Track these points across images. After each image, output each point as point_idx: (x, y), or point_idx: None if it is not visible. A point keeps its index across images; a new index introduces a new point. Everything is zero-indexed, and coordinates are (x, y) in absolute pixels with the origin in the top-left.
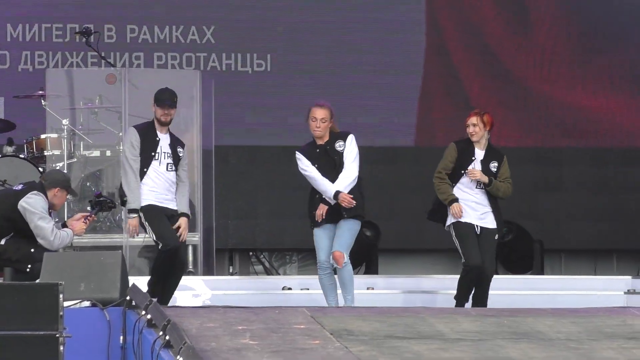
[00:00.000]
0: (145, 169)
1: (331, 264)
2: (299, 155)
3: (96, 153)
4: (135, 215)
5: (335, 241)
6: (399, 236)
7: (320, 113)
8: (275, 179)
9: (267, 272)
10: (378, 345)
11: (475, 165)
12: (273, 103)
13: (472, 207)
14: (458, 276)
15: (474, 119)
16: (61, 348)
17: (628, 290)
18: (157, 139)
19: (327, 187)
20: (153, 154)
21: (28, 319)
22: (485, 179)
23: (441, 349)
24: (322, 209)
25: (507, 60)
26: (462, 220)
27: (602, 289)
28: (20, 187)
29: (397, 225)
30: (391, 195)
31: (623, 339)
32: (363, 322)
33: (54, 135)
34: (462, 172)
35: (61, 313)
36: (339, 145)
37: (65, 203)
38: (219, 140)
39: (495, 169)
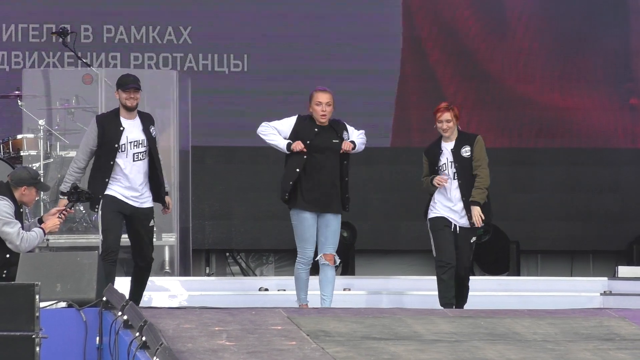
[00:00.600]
0: (111, 162)
1: (312, 260)
2: (289, 119)
3: (72, 153)
4: (64, 197)
5: (323, 242)
6: (376, 237)
7: (325, 97)
8: (252, 180)
9: (244, 273)
10: (355, 347)
11: (447, 157)
12: (250, 103)
13: (449, 205)
14: (435, 277)
15: (447, 115)
16: (37, 349)
17: (604, 291)
18: (121, 128)
19: (279, 141)
20: (116, 145)
21: (4, 319)
22: (479, 210)
23: (418, 350)
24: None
25: (483, 61)
26: (438, 215)
27: (579, 290)
28: None
29: (374, 226)
30: (368, 196)
31: (599, 340)
32: (340, 323)
33: (31, 136)
34: (437, 169)
35: (37, 314)
36: (345, 136)
37: (42, 202)
38: (195, 140)
39: (467, 154)
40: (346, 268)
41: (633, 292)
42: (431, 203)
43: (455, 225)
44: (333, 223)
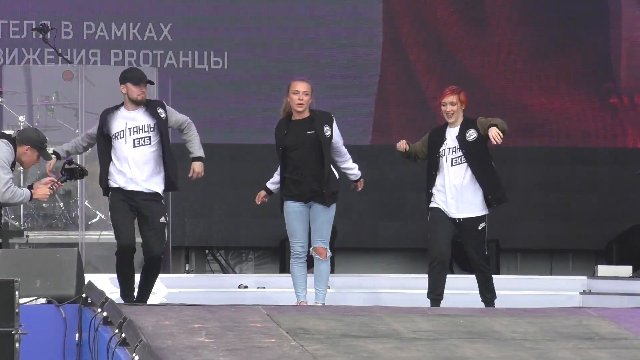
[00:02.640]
0: (109, 150)
1: (306, 253)
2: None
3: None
4: (54, 157)
5: (313, 235)
6: (355, 235)
7: (302, 86)
8: (232, 177)
9: (224, 270)
10: (334, 344)
11: (448, 144)
12: (229, 101)
13: (449, 194)
14: (414, 275)
15: (452, 97)
16: (17, 345)
17: (584, 290)
18: (120, 118)
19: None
20: (114, 134)
21: None
22: (498, 134)
23: (397, 348)
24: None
25: (463, 59)
26: (435, 205)
27: (558, 289)
28: None
29: (353, 225)
30: (347, 194)
31: (579, 339)
32: (319, 321)
33: (11, 132)
34: (437, 155)
35: (17, 310)
36: (326, 130)
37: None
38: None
39: (472, 137)
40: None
41: (612, 291)
42: (432, 194)
43: (456, 219)
44: (320, 215)
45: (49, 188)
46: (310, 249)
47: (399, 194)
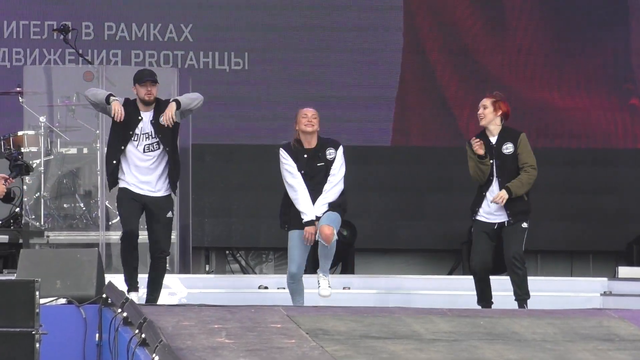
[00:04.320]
0: (122, 147)
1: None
2: (284, 154)
3: (73, 150)
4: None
5: (324, 219)
6: (376, 236)
7: (310, 111)
8: (252, 178)
9: (244, 270)
10: (354, 345)
11: (493, 151)
12: (250, 101)
13: (489, 203)
14: (434, 276)
15: (485, 101)
16: (37, 345)
17: (604, 292)
18: (139, 117)
19: (306, 209)
20: (131, 132)
21: (4, 315)
22: (506, 195)
23: (417, 349)
24: (308, 233)
25: (482, 60)
26: (479, 218)
27: (578, 291)
28: None
29: (373, 225)
30: (368, 195)
31: (598, 341)
32: (339, 322)
33: (31, 132)
34: (491, 161)
35: (37, 310)
36: (329, 153)
37: (42, 199)
38: (195, 138)
39: (509, 150)
40: (346, 267)
41: (633, 292)
42: (478, 205)
43: (497, 224)
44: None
45: (3, 184)
46: (317, 235)
47: (418, 194)
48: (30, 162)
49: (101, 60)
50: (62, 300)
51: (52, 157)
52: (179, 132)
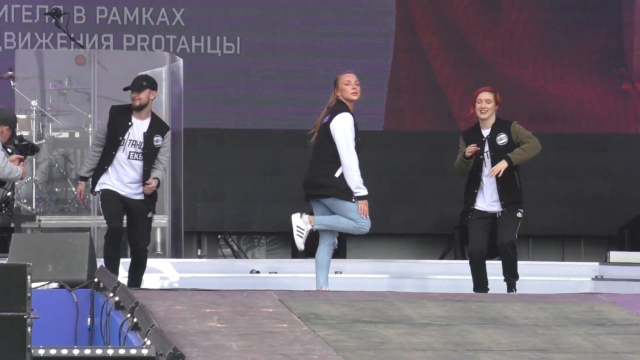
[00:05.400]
0: (113, 152)
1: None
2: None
3: (65, 135)
4: (82, 182)
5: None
6: None
7: (353, 76)
8: (244, 162)
9: (236, 255)
10: (346, 330)
11: (485, 145)
12: (242, 86)
13: (486, 192)
14: (426, 261)
15: (487, 95)
16: (29, 329)
17: (596, 276)
18: (129, 123)
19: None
20: (120, 138)
21: None
22: (504, 165)
23: (409, 333)
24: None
25: (476, 46)
26: (476, 207)
27: (570, 275)
28: None
29: None
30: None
31: (590, 325)
32: (331, 306)
33: (23, 116)
34: (480, 157)
35: (29, 294)
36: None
37: (34, 183)
38: (187, 122)
39: (503, 141)
40: (337, 251)
41: (624, 277)
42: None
43: (495, 213)
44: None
45: (23, 166)
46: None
47: (411, 179)
48: (35, 145)
49: (93, 44)
50: (54, 285)
51: (44, 141)
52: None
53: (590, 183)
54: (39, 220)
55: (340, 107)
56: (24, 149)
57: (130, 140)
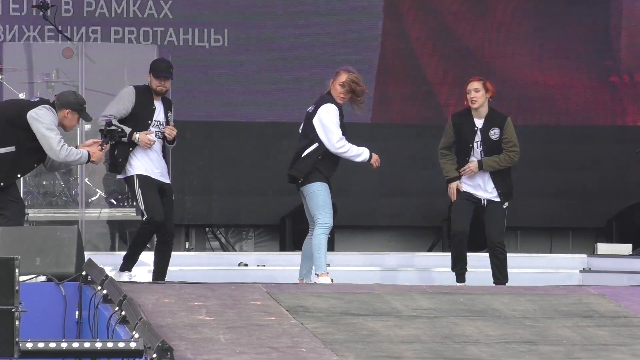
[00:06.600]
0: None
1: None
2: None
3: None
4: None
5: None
6: (355, 213)
7: (348, 82)
8: (232, 155)
9: (224, 248)
10: (334, 322)
11: (478, 137)
12: (230, 78)
13: (477, 178)
14: (414, 253)
15: (476, 84)
16: (17, 323)
17: (583, 268)
18: (153, 107)
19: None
20: (149, 122)
21: None
22: (475, 169)
23: (397, 325)
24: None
25: (463, 37)
26: (463, 189)
27: (558, 267)
28: (35, 99)
29: (353, 203)
30: (348, 172)
31: (578, 317)
32: (319, 299)
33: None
34: (470, 145)
35: (17, 288)
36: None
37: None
38: (175, 115)
39: (496, 136)
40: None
41: (612, 269)
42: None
43: (481, 200)
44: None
45: (100, 150)
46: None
47: (398, 171)
48: (122, 129)
49: (80, 36)
50: (42, 278)
51: None
52: None
53: (577, 175)
54: (27, 214)
55: (327, 97)
56: (111, 134)
57: (156, 121)
